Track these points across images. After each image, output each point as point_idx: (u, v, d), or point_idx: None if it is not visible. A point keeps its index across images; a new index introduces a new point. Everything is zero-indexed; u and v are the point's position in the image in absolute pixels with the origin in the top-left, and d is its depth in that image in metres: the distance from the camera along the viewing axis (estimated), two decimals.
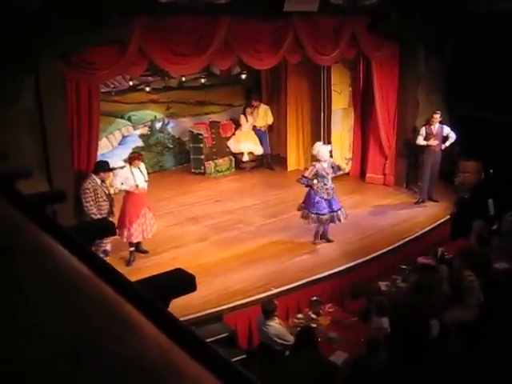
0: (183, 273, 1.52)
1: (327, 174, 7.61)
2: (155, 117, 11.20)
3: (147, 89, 10.74)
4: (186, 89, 11.41)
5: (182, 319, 0.97)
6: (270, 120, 11.51)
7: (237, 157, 11.44)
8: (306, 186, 7.73)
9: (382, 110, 9.95)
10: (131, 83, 10.33)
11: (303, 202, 7.85)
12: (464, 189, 9.83)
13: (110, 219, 6.26)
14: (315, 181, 7.58)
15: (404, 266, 7.33)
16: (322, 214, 7.62)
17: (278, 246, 7.91)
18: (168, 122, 11.42)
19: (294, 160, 11.45)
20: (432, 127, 9.24)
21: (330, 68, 10.23)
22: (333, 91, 10.50)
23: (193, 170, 11.25)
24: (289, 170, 11.42)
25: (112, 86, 10.01)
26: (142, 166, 7.47)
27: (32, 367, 0.60)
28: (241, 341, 6.46)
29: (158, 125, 11.30)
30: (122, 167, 8.16)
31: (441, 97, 10.30)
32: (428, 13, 8.84)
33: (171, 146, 11.56)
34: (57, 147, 6.62)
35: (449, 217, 9.08)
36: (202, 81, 11.42)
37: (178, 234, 8.39)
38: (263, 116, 11.39)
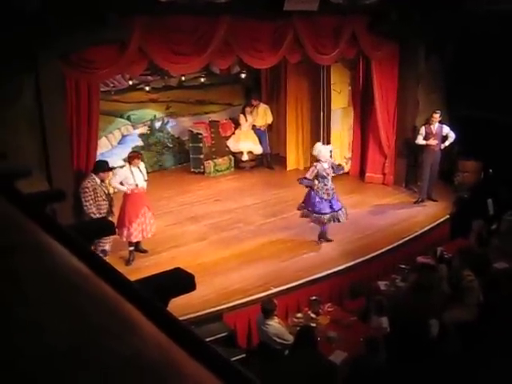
0: (182, 272, 1.52)
1: (328, 174, 7.62)
2: (155, 116, 11.20)
3: (147, 88, 10.74)
4: (185, 88, 11.41)
5: (181, 318, 0.97)
6: (269, 119, 11.51)
7: (236, 156, 11.44)
8: (307, 187, 7.73)
9: (382, 110, 9.96)
10: (131, 82, 10.34)
11: (303, 202, 7.86)
12: (463, 188, 9.83)
13: (110, 219, 6.26)
14: (316, 181, 7.59)
15: (403, 266, 7.33)
16: (323, 214, 7.62)
17: (278, 246, 7.92)
18: (167, 122, 11.42)
19: (293, 159, 11.46)
20: (432, 127, 9.24)
21: (330, 67, 10.23)
22: (332, 90, 10.51)
23: (192, 170, 11.25)
24: (288, 169, 11.43)
25: (111, 85, 10.01)
26: (142, 165, 7.46)
27: (31, 365, 0.60)
28: (240, 340, 6.46)
29: (158, 124, 11.30)
30: (121, 166, 8.16)
31: (441, 96, 10.31)
32: (428, 12, 8.84)
33: (171, 146, 11.56)
34: (56, 146, 6.62)
35: (448, 216, 9.09)
36: (202, 80, 11.42)
37: (178, 233, 8.39)
38: (263, 115, 11.39)
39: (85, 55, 6.64)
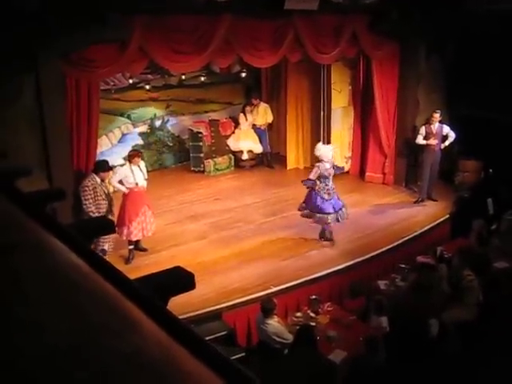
0: (182, 271, 1.52)
1: (329, 174, 7.62)
2: (155, 115, 11.20)
3: (147, 87, 10.74)
4: (185, 87, 11.41)
5: (181, 317, 0.97)
6: (269, 118, 11.51)
7: (236, 155, 11.44)
8: (308, 188, 7.73)
9: (382, 109, 9.95)
10: (131, 81, 10.34)
11: (304, 202, 7.84)
12: (463, 188, 9.83)
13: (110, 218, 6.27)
14: (317, 181, 7.59)
15: (403, 265, 7.32)
16: (327, 213, 7.60)
17: (278, 245, 7.92)
18: (168, 120, 11.42)
19: (293, 158, 11.46)
20: (432, 126, 9.24)
21: (330, 66, 10.23)
22: (333, 90, 10.50)
23: (192, 169, 11.25)
24: (288, 168, 11.43)
25: (112, 83, 10.01)
26: (142, 164, 7.46)
27: (31, 364, 0.60)
28: (240, 339, 6.46)
29: (158, 123, 11.30)
30: (121, 165, 8.16)
31: (441, 96, 10.30)
32: (428, 11, 8.84)
33: (171, 144, 11.57)
34: (57, 146, 6.62)
35: (448, 216, 9.09)
36: (202, 79, 11.43)
37: (178, 232, 8.39)
38: (263, 114, 11.39)
39: (85, 54, 6.64)
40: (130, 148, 9.84)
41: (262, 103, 11.43)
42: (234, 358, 5.29)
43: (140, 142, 11.03)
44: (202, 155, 11.12)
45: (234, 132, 11.37)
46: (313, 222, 7.85)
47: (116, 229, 6.73)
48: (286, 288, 6.85)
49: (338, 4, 8.12)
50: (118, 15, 6.44)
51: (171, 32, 7.29)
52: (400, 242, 8.13)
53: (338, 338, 5.66)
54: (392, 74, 9.85)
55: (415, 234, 8.43)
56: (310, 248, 7.84)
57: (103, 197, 6.81)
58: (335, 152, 8.18)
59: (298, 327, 5.52)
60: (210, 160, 11.13)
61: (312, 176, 7.62)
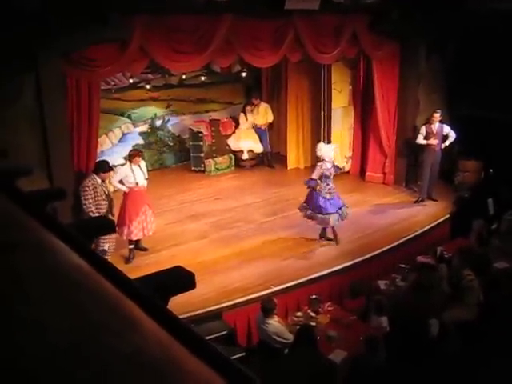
0: (183, 270, 1.53)
1: (331, 174, 7.61)
2: (155, 114, 11.20)
3: (147, 86, 10.75)
4: (186, 86, 11.41)
5: (181, 317, 0.97)
6: (270, 118, 11.51)
7: (237, 155, 11.44)
8: (310, 188, 7.72)
9: (383, 109, 9.95)
10: (131, 81, 10.34)
11: (305, 202, 7.83)
12: (464, 188, 9.83)
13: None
14: (319, 181, 7.59)
15: (403, 265, 7.32)
16: (329, 214, 7.59)
17: (278, 244, 7.92)
18: (168, 120, 11.42)
19: (293, 158, 11.46)
20: (432, 126, 9.24)
21: (331, 66, 10.23)
22: (333, 90, 10.50)
23: (193, 168, 11.26)
24: (289, 168, 11.43)
25: (112, 83, 10.01)
26: (142, 163, 7.47)
27: (33, 363, 0.61)
28: (240, 339, 6.46)
29: (158, 122, 11.30)
30: (122, 165, 8.16)
31: (442, 96, 10.29)
32: (429, 11, 8.83)
33: (171, 144, 11.57)
34: (57, 145, 6.62)
35: (448, 216, 9.09)
36: (203, 79, 11.43)
37: (178, 231, 8.39)
38: (263, 114, 11.39)
39: (86, 54, 6.64)
40: (130, 148, 9.85)
41: (262, 103, 11.43)
42: (234, 357, 5.29)
43: (140, 141, 11.03)
44: (202, 155, 11.12)
45: (234, 132, 11.37)
46: (315, 224, 7.84)
47: (116, 228, 6.74)
48: (287, 288, 6.85)
49: (339, 4, 8.11)
50: (118, 15, 6.44)
51: (172, 32, 7.29)
52: (400, 241, 8.13)
53: (338, 338, 5.66)
54: (392, 74, 9.84)
55: (415, 233, 8.43)
56: (311, 248, 7.84)
57: (103, 197, 6.81)
58: (335, 152, 8.17)
59: (298, 327, 5.52)
60: (210, 160, 11.13)
61: (314, 176, 7.61)
